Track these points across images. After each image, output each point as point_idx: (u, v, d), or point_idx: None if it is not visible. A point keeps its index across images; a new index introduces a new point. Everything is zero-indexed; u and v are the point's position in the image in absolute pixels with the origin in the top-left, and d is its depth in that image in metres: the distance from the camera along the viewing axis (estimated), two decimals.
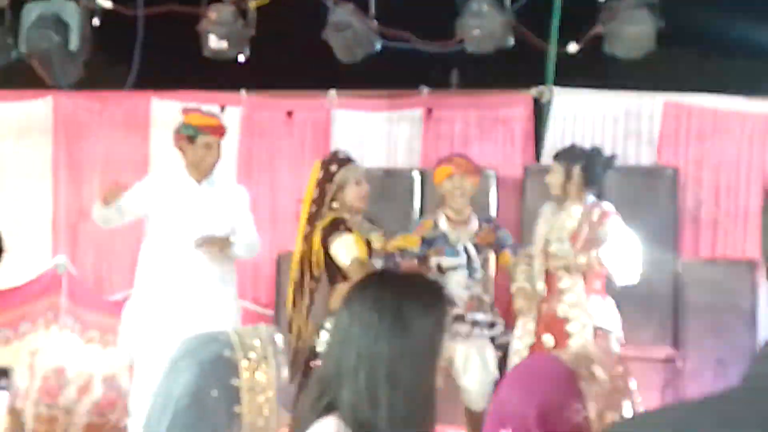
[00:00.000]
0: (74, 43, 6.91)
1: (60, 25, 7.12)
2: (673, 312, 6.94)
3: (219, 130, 5.57)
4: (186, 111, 5.68)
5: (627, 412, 1.66)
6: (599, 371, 1.66)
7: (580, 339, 5.32)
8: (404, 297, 2.13)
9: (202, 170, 5.54)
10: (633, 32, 5.86)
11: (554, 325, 5.37)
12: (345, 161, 5.30)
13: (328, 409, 2.08)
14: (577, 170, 5.40)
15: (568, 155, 5.49)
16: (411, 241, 5.63)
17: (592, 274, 5.42)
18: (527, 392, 1.66)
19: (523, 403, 1.65)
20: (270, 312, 7.77)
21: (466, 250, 5.84)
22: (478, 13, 6.13)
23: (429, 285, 2.24)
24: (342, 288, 5.33)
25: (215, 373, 1.66)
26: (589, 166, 5.42)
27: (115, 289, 7.92)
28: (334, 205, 5.20)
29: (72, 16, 6.89)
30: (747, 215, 7.28)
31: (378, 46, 6.53)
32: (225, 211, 5.65)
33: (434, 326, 2.12)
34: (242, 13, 6.51)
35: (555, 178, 5.47)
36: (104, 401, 6.92)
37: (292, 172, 8.16)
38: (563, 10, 6.88)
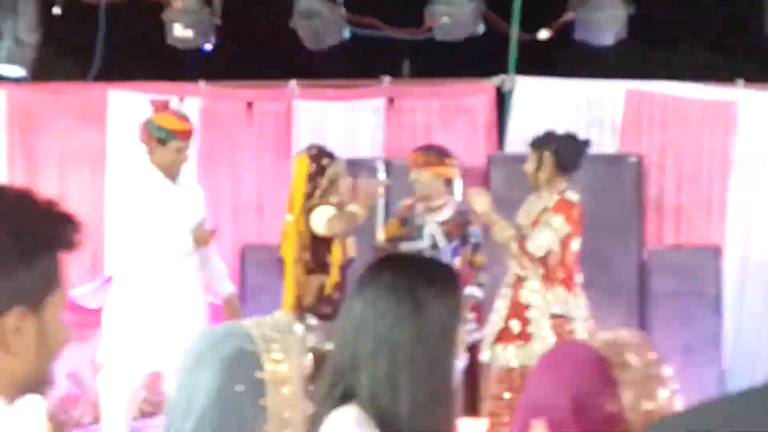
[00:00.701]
0: (24, 31, 6.73)
1: (11, 13, 6.94)
2: (638, 299, 6.98)
3: (190, 135, 5.52)
4: (156, 106, 5.52)
5: (663, 400, 1.62)
6: (632, 358, 1.62)
7: (537, 326, 5.32)
8: (419, 281, 2.09)
9: (170, 173, 5.46)
10: (604, 18, 5.82)
11: (519, 310, 5.38)
12: (332, 155, 5.29)
13: (345, 397, 2.04)
14: (547, 155, 5.38)
15: (540, 141, 5.47)
16: (396, 228, 5.75)
17: (554, 263, 5.38)
18: (560, 381, 1.62)
19: (556, 392, 1.61)
20: None
21: (433, 237, 5.83)
22: (447, 0, 6.05)
23: (442, 268, 2.21)
24: (313, 281, 5.27)
25: (239, 367, 1.61)
26: (559, 151, 5.38)
27: (71, 283, 7.79)
28: (332, 199, 5.17)
29: (25, 4, 6.71)
30: (710, 202, 7.33)
31: (347, 33, 6.44)
32: (197, 209, 5.61)
33: (450, 309, 2.09)
34: (207, 1, 6.38)
35: (528, 166, 5.45)
36: (68, 398, 6.80)
37: (253, 163, 8.08)
38: None
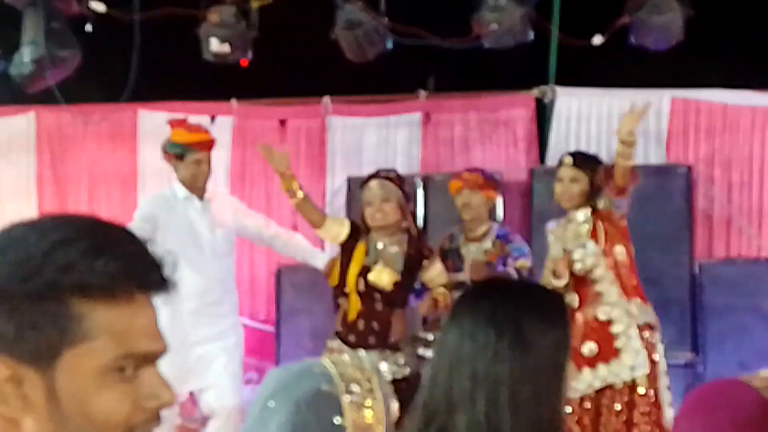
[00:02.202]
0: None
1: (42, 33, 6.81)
2: (691, 315, 6.72)
3: (207, 145, 5.45)
4: (172, 124, 5.49)
5: None
6: None
7: (624, 339, 5.07)
8: (524, 310, 1.84)
9: (196, 187, 5.44)
10: (662, 22, 5.57)
11: (596, 330, 5.11)
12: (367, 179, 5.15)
13: None
14: (597, 178, 5.24)
15: (590, 163, 5.31)
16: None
17: (626, 273, 5.20)
18: (714, 427, 1.40)
19: None
20: (269, 328, 7.48)
21: None
22: (495, 7, 5.84)
23: (549, 296, 1.95)
24: (342, 304, 4.99)
25: (314, 411, 1.39)
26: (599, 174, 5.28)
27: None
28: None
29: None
30: (762, 212, 7.07)
31: (390, 44, 6.25)
32: (227, 225, 5.57)
33: (558, 342, 1.84)
34: (244, 14, 6.21)
35: (579, 187, 5.23)
36: None
37: None
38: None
